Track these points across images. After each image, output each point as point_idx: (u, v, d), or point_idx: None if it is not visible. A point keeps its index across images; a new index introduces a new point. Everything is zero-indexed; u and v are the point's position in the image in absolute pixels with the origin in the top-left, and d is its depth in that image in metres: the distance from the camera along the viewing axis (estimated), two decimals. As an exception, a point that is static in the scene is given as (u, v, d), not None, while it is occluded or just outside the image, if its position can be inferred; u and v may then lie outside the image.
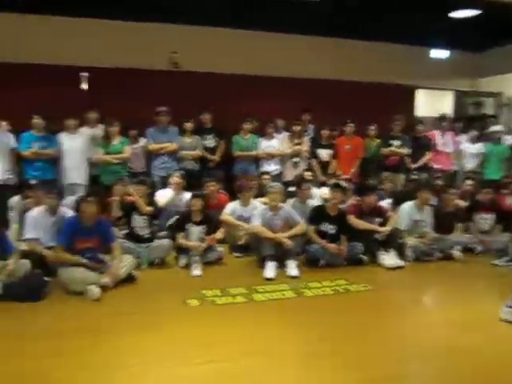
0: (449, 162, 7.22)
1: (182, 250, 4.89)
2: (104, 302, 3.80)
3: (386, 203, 5.66)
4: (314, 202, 5.53)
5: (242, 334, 3.26)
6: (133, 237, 4.91)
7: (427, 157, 6.99)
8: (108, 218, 4.76)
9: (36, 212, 4.56)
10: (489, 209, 5.67)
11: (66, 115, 5.90)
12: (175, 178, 5.73)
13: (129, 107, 6.35)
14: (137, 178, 5.37)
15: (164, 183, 6.03)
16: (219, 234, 5.09)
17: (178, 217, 5.23)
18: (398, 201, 5.63)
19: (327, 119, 6.99)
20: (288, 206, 5.18)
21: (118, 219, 5.09)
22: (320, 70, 7.78)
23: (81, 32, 6.81)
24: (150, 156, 6.34)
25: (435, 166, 7.05)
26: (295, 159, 6.74)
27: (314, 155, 6.77)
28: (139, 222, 4.97)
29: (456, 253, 5.22)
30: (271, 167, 6.64)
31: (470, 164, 7.18)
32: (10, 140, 5.63)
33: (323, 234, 4.92)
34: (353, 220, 5.13)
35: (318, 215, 5.00)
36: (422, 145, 6.99)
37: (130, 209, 5.00)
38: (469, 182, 6.36)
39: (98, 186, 5.79)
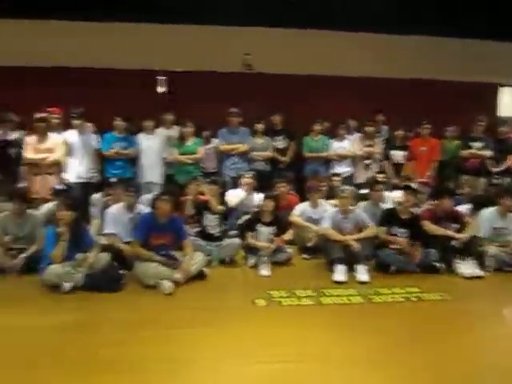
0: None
1: (251, 250, 4.95)
2: (175, 297, 3.95)
3: (464, 208, 5.38)
4: (387, 206, 5.36)
5: (308, 336, 3.24)
6: (204, 235, 5.05)
7: (511, 160, 6.54)
8: (181, 216, 4.92)
9: (115, 208, 4.83)
10: None
11: (144, 117, 6.19)
12: (246, 179, 5.81)
13: (202, 109, 6.53)
14: (209, 178, 5.51)
15: (234, 183, 6.13)
16: (288, 235, 5.10)
17: (249, 217, 5.30)
18: (477, 206, 5.33)
19: (402, 120, 6.76)
20: (359, 210, 5.07)
21: (190, 217, 5.25)
22: (395, 69, 7.53)
23: (158, 37, 7.11)
24: (222, 156, 6.48)
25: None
26: (367, 161, 6.59)
27: (386, 157, 6.59)
28: (211, 221, 5.11)
29: (543, 264, 4.84)
30: (342, 169, 6.54)
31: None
32: (94, 141, 5.99)
33: (395, 239, 4.77)
34: (427, 225, 4.93)
35: (388, 218, 4.86)
36: (505, 147, 6.56)
37: (202, 208, 5.16)
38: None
39: (173, 185, 6.01)
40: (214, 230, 5.11)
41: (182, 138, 6.19)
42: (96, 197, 5.34)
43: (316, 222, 5.20)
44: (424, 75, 7.59)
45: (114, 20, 6.97)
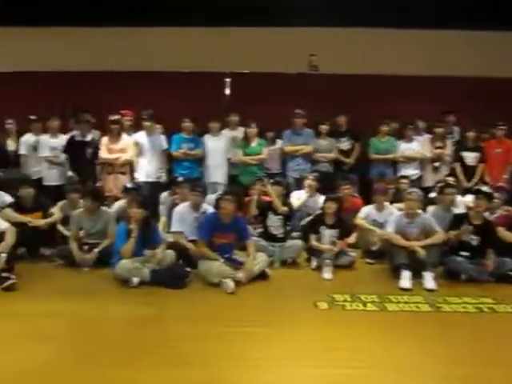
0: None
1: (313, 252, 4.92)
2: (238, 296, 4.02)
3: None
4: (459, 211, 5.11)
5: (372, 343, 3.16)
6: (267, 236, 5.08)
7: None
8: (244, 217, 4.99)
9: (182, 207, 4.98)
10: None
11: (210, 118, 6.33)
12: (309, 181, 5.78)
13: (267, 110, 6.58)
14: (273, 179, 5.54)
15: (298, 185, 6.12)
16: (352, 239, 5.02)
17: (312, 218, 5.26)
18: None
19: (474, 121, 6.43)
20: (427, 214, 4.88)
21: (254, 218, 5.31)
22: (466, 67, 7.15)
23: (225, 40, 7.26)
24: (285, 157, 6.49)
25: None
26: (436, 163, 6.33)
27: (457, 159, 6.29)
28: (274, 222, 5.13)
29: None
30: (410, 171, 6.32)
31: None
32: (163, 142, 6.22)
33: (464, 245, 4.54)
34: (502, 232, 4.68)
35: (459, 223, 4.63)
36: None
37: (266, 208, 5.19)
38: None
39: (237, 185, 6.10)
40: (277, 231, 5.13)
41: (246, 139, 6.27)
42: (164, 195, 5.54)
43: (381, 225, 5.08)
44: (499, 73, 7.15)
45: (184, 24, 7.19)
